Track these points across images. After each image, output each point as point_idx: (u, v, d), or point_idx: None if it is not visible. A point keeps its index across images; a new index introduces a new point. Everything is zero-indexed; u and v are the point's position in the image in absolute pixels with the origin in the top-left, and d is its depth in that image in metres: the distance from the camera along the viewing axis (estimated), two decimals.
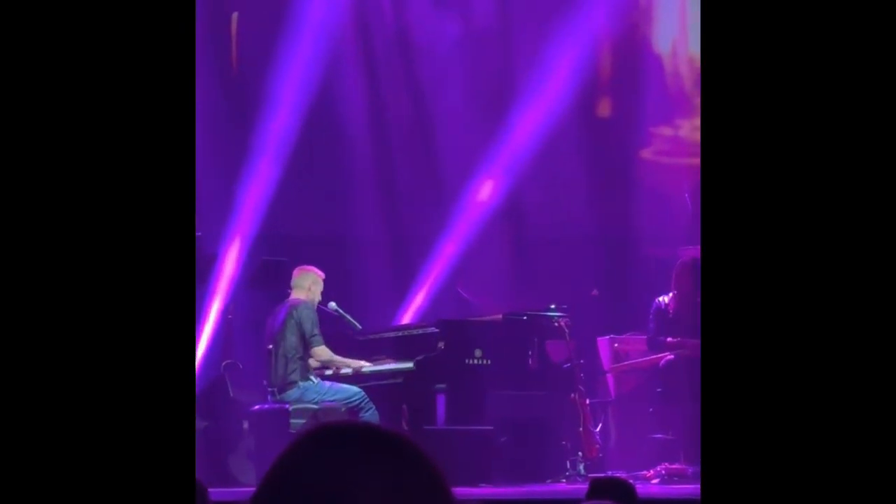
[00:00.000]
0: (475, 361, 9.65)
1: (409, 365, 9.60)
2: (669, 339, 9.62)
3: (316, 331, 9.54)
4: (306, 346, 9.54)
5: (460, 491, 8.37)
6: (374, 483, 1.37)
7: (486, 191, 12.15)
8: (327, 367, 9.85)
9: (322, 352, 9.61)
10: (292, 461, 1.40)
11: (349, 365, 9.78)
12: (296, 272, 9.85)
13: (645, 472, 9.21)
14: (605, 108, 12.69)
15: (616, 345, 10.70)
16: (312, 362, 9.71)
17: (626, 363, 10.49)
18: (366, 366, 9.79)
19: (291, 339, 9.50)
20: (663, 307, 9.75)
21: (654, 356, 9.85)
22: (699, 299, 7.78)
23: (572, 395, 9.76)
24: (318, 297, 9.79)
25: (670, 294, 9.77)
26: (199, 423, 9.80)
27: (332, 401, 9.45)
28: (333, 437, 1.42)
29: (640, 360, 10.24)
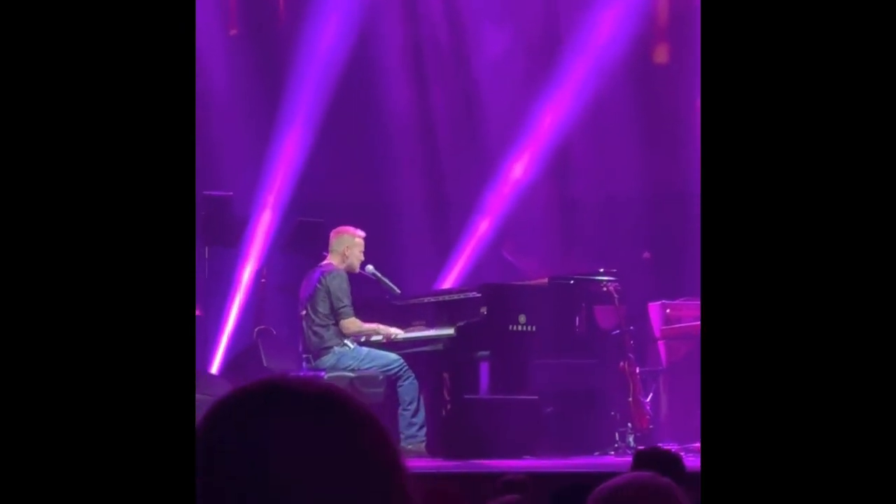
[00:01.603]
0: (519, 328, 9.35)
1: (450, 331, 9.31)
2: None
3: (346, 301, 9.15)
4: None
5: (503, 463, 8.08)
6: (303, 451, 1.36)
7: (525, 161, 11.68)
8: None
9: (350, 324, 9.22)
10: (212, 430, 1.39)
11: (380, 332, 9.40)
12: (332, 234, 9.46)
13: (698, 445, 8.85)
14: (661, 55, 12.16)
15: (668, 310, 10.40)
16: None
17: (677, 326, 10.12)
18: (399, 333, 9.42)
19: (323, 306, 9.18)
20: None
21: None
22: None
23: (622, 363, 9.54)
24: (356, 261, 9.37)
25: None
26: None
27: (369, 368, 9.10)
28: (254, 402, 1.40)
29: (693, 324, 9.87)
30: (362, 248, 9.41)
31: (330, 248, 9.43)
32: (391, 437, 1.45)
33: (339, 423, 1.39)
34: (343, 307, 9.15)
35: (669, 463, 4.36)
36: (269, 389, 1.42)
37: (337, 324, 9.21)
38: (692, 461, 6.35)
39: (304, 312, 9.27)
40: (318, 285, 9.20)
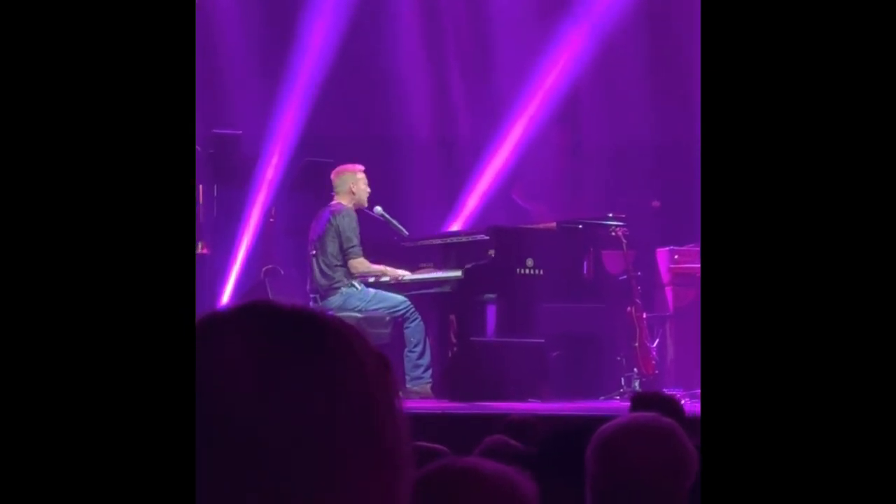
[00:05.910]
0: (527, 271, 9.32)
1: (458, 273, 9.29)
2: None
3: (355, 241, 9.17)
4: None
5: (509, 406, 8.08)
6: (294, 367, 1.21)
7: (536, 104, 11.51)
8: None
9: (359, 264, 9.24)
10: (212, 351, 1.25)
11: (388, 274, 9.41)
12: (333, 175, 9.46)
13: None
14: None
15: (676, 256, 10.33)
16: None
17: (684, 265, 10.06)
18: (406, 276, 9.42)
19: (332, 245, 9.20)
20: None
21: None
22: None
23: (628, 308, 9.53)
24: (364, 195, 9.41)
25: None
26: None
27: (375, 309, 9.12)
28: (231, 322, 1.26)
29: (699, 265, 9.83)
30: (366, 182, 9.43)
31: (335, 189, 9.43)
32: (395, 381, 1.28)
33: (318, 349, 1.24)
34: (352, 247, 9.17)
35: (668, 407, 4.34)
36: (247, 309, 1.27)
37: (345, 264, 9.23)
38: (697, 407, 6.35)
39: (313, 252, 9.30)
40: (328, 225, 9.23)
